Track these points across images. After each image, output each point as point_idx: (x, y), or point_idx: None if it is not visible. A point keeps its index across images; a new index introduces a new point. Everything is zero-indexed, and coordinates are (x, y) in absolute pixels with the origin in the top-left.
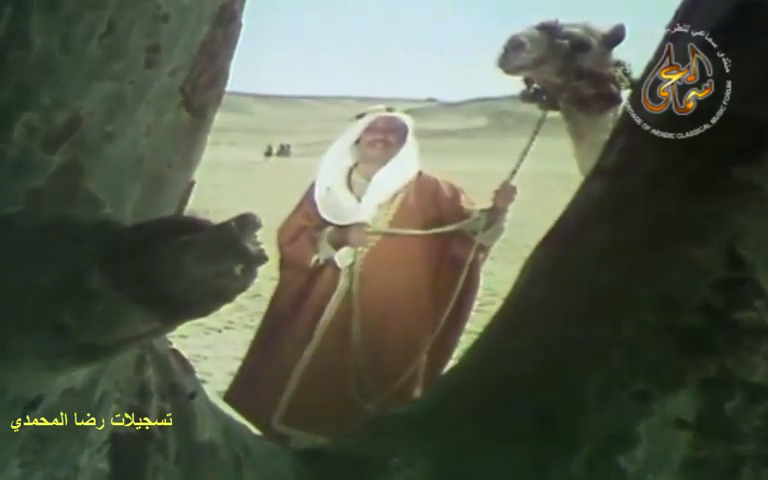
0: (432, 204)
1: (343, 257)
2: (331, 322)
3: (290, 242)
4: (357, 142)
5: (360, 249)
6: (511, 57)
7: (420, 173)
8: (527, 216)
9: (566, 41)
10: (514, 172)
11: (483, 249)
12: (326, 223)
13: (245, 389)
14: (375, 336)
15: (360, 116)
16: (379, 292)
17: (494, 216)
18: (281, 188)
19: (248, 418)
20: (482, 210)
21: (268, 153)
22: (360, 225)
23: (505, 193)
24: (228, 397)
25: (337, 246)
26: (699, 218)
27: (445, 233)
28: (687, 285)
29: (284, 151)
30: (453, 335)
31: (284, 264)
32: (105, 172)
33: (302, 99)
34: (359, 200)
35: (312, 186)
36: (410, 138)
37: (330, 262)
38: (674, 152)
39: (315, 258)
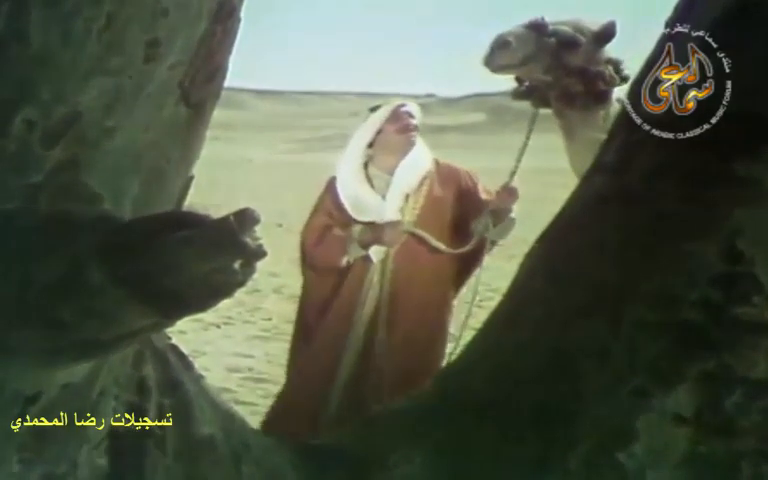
0: (455, 196)
1: (376, 253)
2: (367, 324)
3: (316, 244)
4: (377, 134)
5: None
6: (497, 56)
7: (439, 162)
8: (526, 212)
9: (553, 39)
10: (513, 173)
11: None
12: (350, 220)
13: (294, 401)
14: (405, 336)
15: (374, 109)
16: (410, 291)
17: (496, 218)
18: (281, 184)
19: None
20: (487, 212)
21: None
22: (395, 223)
23: (504, 195)
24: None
25: (367, 246)
26: (699, 213)
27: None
28: (686, 280)
29: None
30: None
31: (309, 266)
32: (104, 167)
33: (302, 95)
34: (383, 195)
35: (329, 183)
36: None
37: (366, 258)
38: (674, 148)
39: (346, 259)
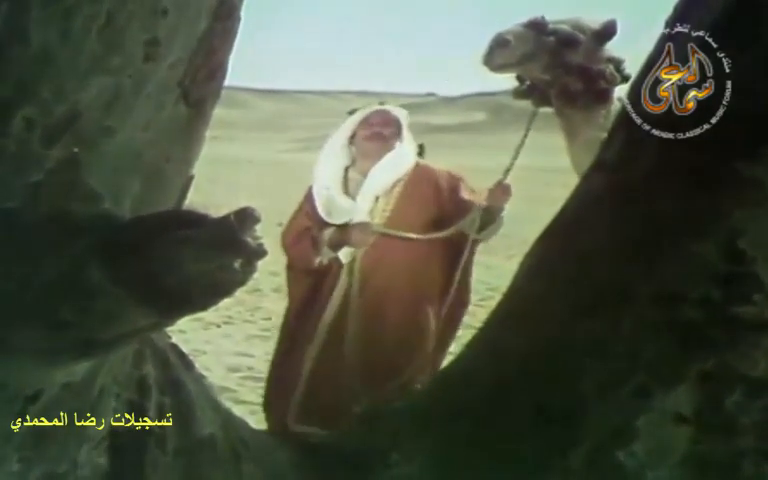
0: (432, 197)
1: (345, 254)
2: (332, 321)
3: (293, 244)
4: (352, 138)
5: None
6: (495, 54)
7: (417, 164)
8: (526, 210)
9: (552, 37)
10: (508, 170)
11: (477, 242)
12: (327, 224)
13: (272, 394)
14: (373, 334)
15: (352, 112)
16: (379, 290)
17: (489, 216)
18: (281, 183)
19: (272, 422)
20: (477, 209)
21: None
22: (363, 225)
23: (498, 192)
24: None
25: (337, 247)
26: (699, 212)
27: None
28: (687, 279)
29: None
30: (450, 332)
31: (289, 266)
32: (104, 166)
33: (302, 94)
34: (354, 198)
35: (311, 186)
36: (405, 132)
37: (337, 260)
38: (675, 147)
39: (318, 260)
